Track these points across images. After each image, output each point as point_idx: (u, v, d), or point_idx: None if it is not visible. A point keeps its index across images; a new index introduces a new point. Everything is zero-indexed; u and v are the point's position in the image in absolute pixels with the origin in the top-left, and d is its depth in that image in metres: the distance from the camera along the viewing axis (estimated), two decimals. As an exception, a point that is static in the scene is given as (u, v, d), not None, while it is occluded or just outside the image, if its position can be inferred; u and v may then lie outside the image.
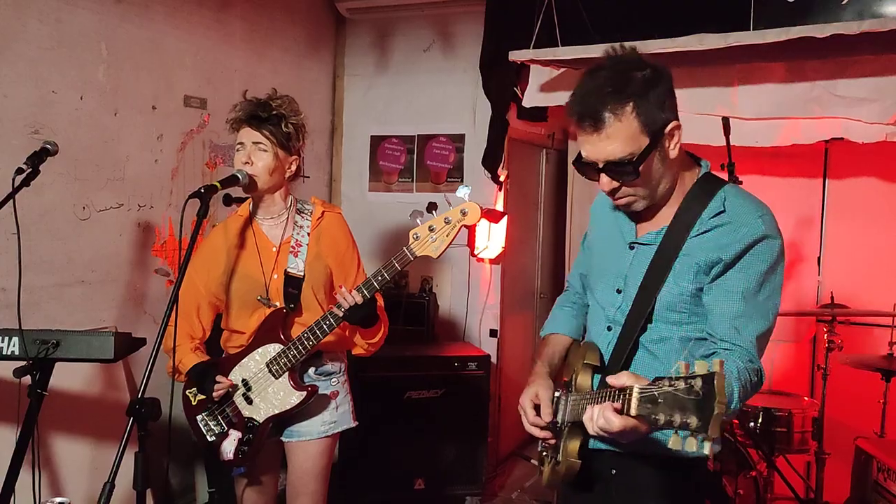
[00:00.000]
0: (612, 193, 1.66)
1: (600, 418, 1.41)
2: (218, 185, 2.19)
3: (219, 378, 2.37)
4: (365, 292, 2.21)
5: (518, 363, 5.10)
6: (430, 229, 2.12)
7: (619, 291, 1.76)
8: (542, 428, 1.78)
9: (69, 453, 3.00)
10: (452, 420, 3.84)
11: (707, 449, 1.20)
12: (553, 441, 1.78)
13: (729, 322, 1.59)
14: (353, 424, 2.58)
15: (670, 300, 1.66)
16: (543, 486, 1.84)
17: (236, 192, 2.43)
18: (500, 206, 4.46)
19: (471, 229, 4.32)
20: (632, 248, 1.75)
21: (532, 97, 4.08)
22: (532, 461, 3.28)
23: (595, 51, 3.49)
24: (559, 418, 1.78)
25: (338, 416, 2.52)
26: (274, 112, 2.35)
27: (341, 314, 2.23)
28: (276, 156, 2.36)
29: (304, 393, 2.34)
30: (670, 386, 1.23)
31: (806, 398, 3.79)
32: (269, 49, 4.21)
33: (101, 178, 3.25)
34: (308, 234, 2.44)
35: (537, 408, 1.78)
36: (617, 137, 1.56)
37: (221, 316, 2.55)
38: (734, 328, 1.58)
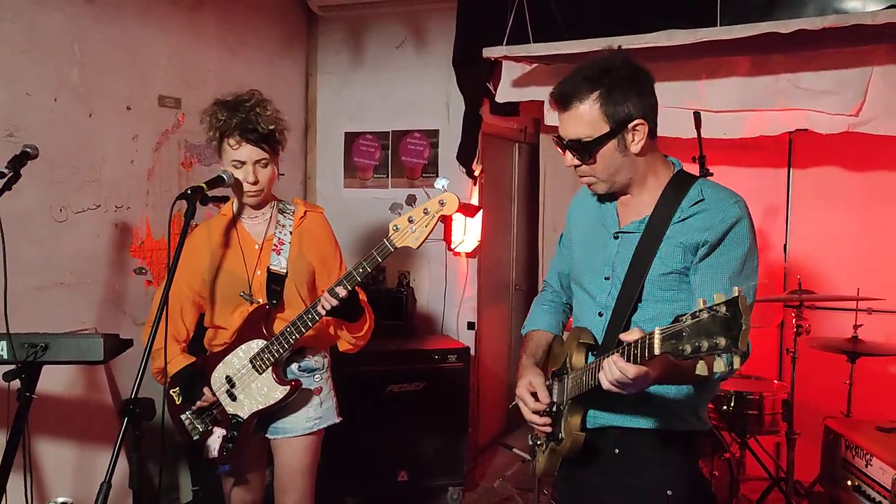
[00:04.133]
0: (576, 170, 1.84)
1: (614, 370, 1.52)
2: (204, 186, 2.21)
3: (206, 391, 2.42)
4: (346, 284, 2.23)
5: (495, 355, 5.18)
6: (410, 220, 2.16)
7: (607, 279, 1.87)
8: (541, 414, 1.85)
9: (52, 456, 2.99)
10: (433, 412, 3.89)
11: (737, 363, 1.35)
12: (550, 429, 1.86)
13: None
14: (336, 420, 2.61)
15: (659, 280, 1.78)
16: (539, 475, 1.92)
17: (217, 191, 2.43)
18: (475, 201, 4.52)
19: (447, 223, 4.37)
20: (616, 237, 1.87)
21: (505, 93, 4.13)
22: (514, 450, 3.34)
23: (567, 47, 3.57)
24: (555, 401, 1.87)
25: (322, 412, 2.55)
26: (271, 126, 2.38)
27: (324, 313, 2.26)
28: (275, 164, 2.44)
29: (288, 387, 2.37)
30: (693, 319, 1.35)
31: (776, 381, 3.91)
32: (241, 48, 4.21)
33: (77, 179, 3.24)
34: (290, 233, 2.47)
35: (535, 395, 1.86)
36: (577, 119, 1.75)
37: (204, 316, 2.57)
38: None
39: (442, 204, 2.14)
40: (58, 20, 3.11)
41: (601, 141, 1.75)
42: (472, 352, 4.43)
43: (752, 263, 1.77)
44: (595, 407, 1.84)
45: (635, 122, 1.75)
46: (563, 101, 1.77)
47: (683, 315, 1.38)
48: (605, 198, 1.93)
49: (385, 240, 2.18)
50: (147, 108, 3.59)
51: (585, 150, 1.76)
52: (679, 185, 1.83)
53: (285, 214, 2.51)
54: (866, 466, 3.16)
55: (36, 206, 3.05)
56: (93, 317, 3.35)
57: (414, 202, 2.16)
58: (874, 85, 3.34)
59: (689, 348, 1.35)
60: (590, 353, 1.84)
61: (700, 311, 1.35)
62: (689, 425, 1.85)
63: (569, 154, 1.81)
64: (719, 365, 1.35)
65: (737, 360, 1.36)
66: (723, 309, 1.32)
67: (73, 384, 3.13)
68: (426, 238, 2.17)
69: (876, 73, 3.34)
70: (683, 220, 1.78)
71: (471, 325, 4.59)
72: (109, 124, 3.38)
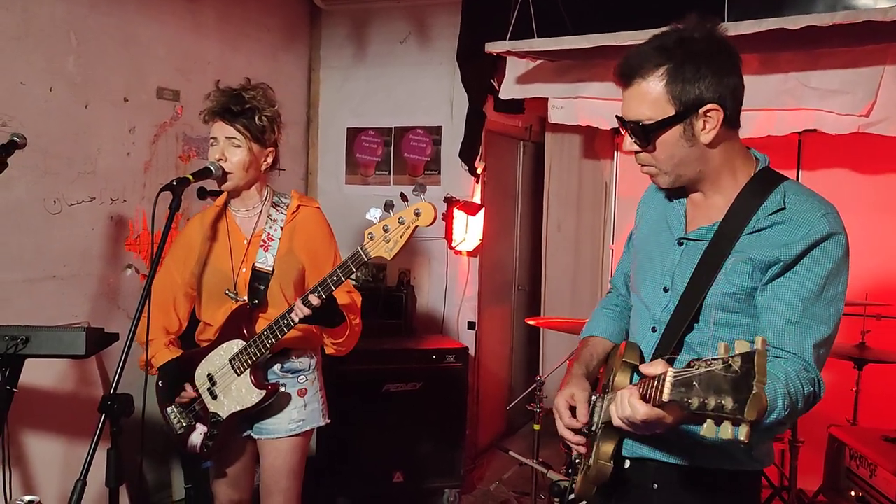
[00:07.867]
0: (636, 157, 1.61)
1: (626, 406, 1.33)
2: (190, 177, 2.15)
3: (187, 386, 2.37)
4: (321, 292, 2.13)
5: (496, 356, 5.12)
6: (385, 229, 2.02)
7: (665, 290, 1.65)
8: (575, 432, 1.67)
9: (41, 451, 2.95)
10: (431, 413, 3.83)
11: (743, 434, 1.10)
12: (584, 449, 1.67)
13: (783, 327, 1.48)
14: (322, 423, 2.52)
15: (721, 299, 1.55)
16: (575, 497, 1.69)
17: (211, 184, 2.38)
18: (477, 199, 4.46)
19: (448, 221, 4.31)
20: (681, 244, 1.65)
21: (509, 89, 4.08)
22: (510, 453, 3.28)
23: (571, 42, 3.50)
24: (594, 421, 1.69)
25: (306, 414, 2.46)
26: (247, 105, 2.29)
27: (297, 320, 2.17)
28: (251, 150, 2.31)
29: (264, 392, 2.29)
30: (707, 367, 1.14)
31: (780, 387, 3.82)
32: (242, 40, 4.16)
33: (72, 171, 3.20)
34: (281, 229, 2.40)
35: (573, 410, 1.68)
36: (639, 98, 1.53)
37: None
38: (789, 334, 1.47)
39: (417, 214, 1.99)
40: (53, 8, 3.07)
41: (663, 126, 1.51)
42: (472, 352, 4.37)
43: (835, 287, 1.49)
44: (632, 436, 1.60)
45: (707, 106, 1.49)
46: (625, 75, 1.54)
47: (700, 359, 1.18)
48: (674, 193, 1.69)
49: (359, 248, 2.07)
50: (145, 99, 3.55)
51: (644, 134, 1.53)
52: (759, 187, 1.56)
53: (278, 208, 2.42)
54: (871, 477, 3.08)
55: (29, 198, 3.02)
56: (86, 310, 3.31)
57: (392, 208, 2.04)
58: (886, 85, 3.26)
59: (696, 402, 1.14)
60: (635, 374, 1.61)
61: (717, 358, 1.14)
62: (738, 464, 1.60)
63: (628, 138, 1.58)
64: (724, 432, 1.11)
65: (742, 431, 1.10)
66: (737, 362, 1.10)
67: (65, 378, 3.09)
68: (401, 248, 2.03)
69: (888, 72, 3.26)
70: (758, 231, 1.53)
71: (471, 325, 4.53)
72: (106, 115, 3.34)
